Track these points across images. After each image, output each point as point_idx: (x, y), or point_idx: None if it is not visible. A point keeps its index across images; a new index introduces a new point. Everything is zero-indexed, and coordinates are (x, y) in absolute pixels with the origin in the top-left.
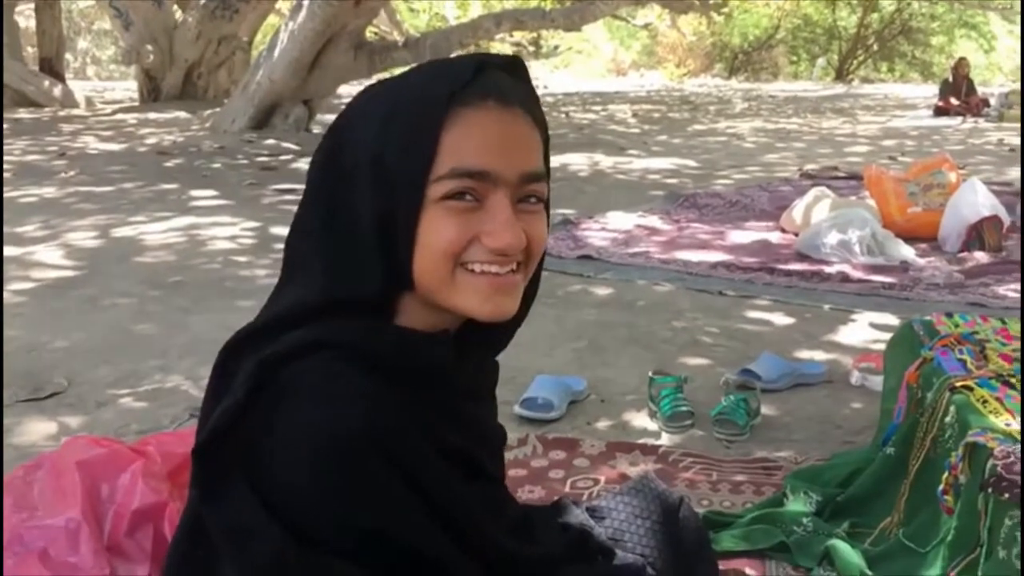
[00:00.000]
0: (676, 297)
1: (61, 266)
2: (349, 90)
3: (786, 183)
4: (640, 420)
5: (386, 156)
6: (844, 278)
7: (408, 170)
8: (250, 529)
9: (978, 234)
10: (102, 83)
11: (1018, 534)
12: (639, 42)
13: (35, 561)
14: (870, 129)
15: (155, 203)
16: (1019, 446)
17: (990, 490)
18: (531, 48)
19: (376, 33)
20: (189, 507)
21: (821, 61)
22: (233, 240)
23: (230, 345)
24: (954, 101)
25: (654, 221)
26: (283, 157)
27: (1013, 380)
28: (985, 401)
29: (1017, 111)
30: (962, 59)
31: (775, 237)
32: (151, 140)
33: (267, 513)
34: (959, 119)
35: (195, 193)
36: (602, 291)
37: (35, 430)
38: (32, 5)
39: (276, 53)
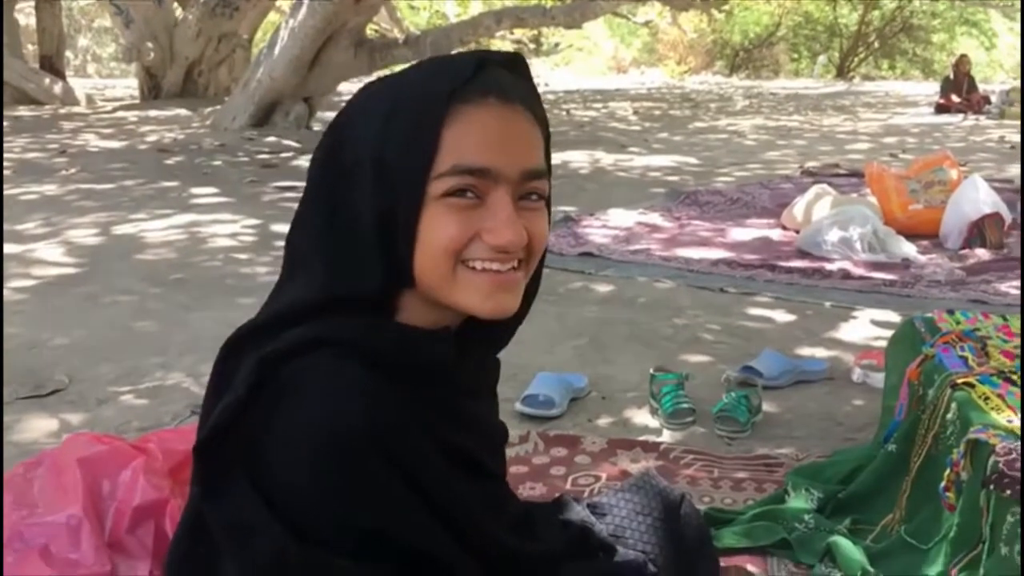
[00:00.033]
0: (677, 294)
1: (62, 263)
2: (349, 87)
3: (787, 180)
4: (641, 417)
5: (387, 153)
6: (845, 275)
7: (409, 167)
8: (251, 526)
9: (979, 231)
10: (102, 80)
11: (1020, 530)
12: (640, 39)
13: (36, 558)
14: (871, 126)
15: (156, 200)
16: (1020, 443)
17: (992, 487)
18: (532, 45)
19: (376, 30)
20: (190, 504)
21: (822, 58)
22: (234, 237)
23: (231, 342)
24: (955, 98)
25: (655, 218)
26: (284, 155)
27: (1014, 377)
28: (987, 398)
29: (1018, 108)
30: (963, 56)
31: (776, 234)
32: (152, 138)
33: (268, 510)
34: (960, 116)
35: (196, 191)
36: (603, 288)
37: (36, 427)
38: (32, 3)
39: (276, 51)
